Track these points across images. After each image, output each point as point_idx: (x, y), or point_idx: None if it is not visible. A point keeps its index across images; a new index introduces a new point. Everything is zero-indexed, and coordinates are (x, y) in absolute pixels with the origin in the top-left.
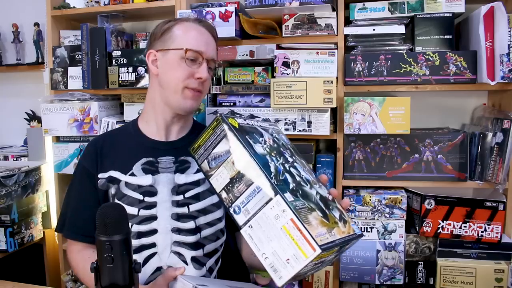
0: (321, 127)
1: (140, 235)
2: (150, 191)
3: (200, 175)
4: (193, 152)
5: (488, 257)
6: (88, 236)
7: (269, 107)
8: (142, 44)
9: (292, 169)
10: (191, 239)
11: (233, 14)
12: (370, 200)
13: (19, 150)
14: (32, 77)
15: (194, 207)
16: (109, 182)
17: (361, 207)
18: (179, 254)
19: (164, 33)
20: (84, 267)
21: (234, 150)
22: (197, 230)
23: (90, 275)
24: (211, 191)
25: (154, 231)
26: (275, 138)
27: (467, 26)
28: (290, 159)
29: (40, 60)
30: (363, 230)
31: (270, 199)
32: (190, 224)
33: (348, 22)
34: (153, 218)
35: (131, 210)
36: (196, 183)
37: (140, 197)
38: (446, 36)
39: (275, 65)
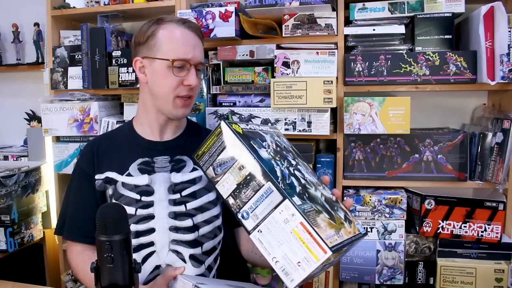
0: (321, 127)
1: (138, 234)
2: (147, 190)
3: (196, 174)
4: (197, 159)
5: (488, 257)
6: (88, 237)
7: (269, 107)
8: None
9: (296, 172)
10: (189, 237)
11: (233, 14)
12: (370, 200)
13: (19, 150)
14: (32, 77)
15: (191, 205)
16: (106, 183)
17: (361, 207)
18: (177, 253)
19: (149, 39)
20: (84, 268)
21: (240, 156)
22: (195, 228)
23: (90, 276)
24: (207, 188)
25: (152, 230)
26: (277, 142)
27: (467, 26)
28: (293, 162)
29: (40, 60)
30: None
31: (279, 204)
32: (188, 222)
33: (348, 22)
34: (151, 217)
35: (128, 210)
36: (192, 181)
37: (137, 196)
38: (446, 36)
39: (275, 65)
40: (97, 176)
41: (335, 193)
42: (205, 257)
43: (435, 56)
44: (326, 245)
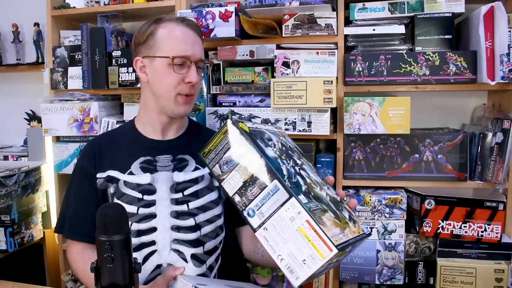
0: (321, 127)
1: (140, 233)
2: (149, 189)
3: (198, 173)
4: (203, 157)
5: (488, 257)
6: (88, 236)
7: (269, 107)
8: None
9: (302, 172)
10: (191, 236)
11: (233, 14)
12: (370, 200)
13: (19, 150)
14: (32, 77)
15: (194, 204)
16: (108, 181)
17: (361, 207)
18: (179, 252)
19: (148, 38)
20: (84, 267)
21: (246, 154)
22: (197, 227)
23: (90, 275)
24: (209, 188)
25: (153, 229)
26: (282, 141)
27: (467, 26)
28: (298, 162)
29: (40, 60)
30: None
31: (285, 202)
32: (190, 222)
33: (348, 22)
34: (153, 216)
35: (130, 208)
36: (195, 181)
37: (139, 195)
38: (446, 36)
39: (275, 65)
40: (98, 175)
41: (340, 194)
42: (207, 256)
43: (435, 56)
44: (332, 243)
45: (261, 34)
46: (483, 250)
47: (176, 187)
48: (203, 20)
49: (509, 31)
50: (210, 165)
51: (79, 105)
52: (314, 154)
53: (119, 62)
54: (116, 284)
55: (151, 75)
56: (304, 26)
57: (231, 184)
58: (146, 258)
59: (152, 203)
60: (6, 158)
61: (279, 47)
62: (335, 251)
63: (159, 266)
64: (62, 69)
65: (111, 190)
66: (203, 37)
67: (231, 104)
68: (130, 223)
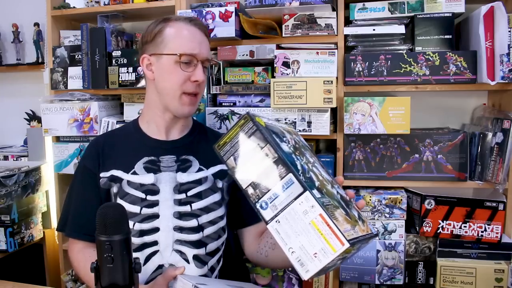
0: (321, 127)
1: (142, 233)
2: (152, 189)
3: (202, 174)
4: (218, 149)
5: (488, 257)
6: (90, 235)
7: (269, 107)
8: None
9: (314, 169)
10: (193, 237)
11: (233, 14)
12: (370, 200)
13: (19, 150)
14: (32, 77)
15: (197, 205)
16: (111, 181)
17: None
18: (181, 253)
19: (156, 37)
20: (85, 266)
21: (261, 147)
22: (199, 228)
23: (91, 274)
24: (212, 189)
25: (156, 229)
26: (295, 139)
27: (467, 26)
28: (311, 160)
29: (40, 60)
30: None
31: (299, 195)
32: (193, 223)
33: (348, 22)
34: (155, 216)
35: (133, 208)
36: (198, 182)
37: (143, 195)
38: (446, 36)
39: (275, 65)
40: (102, 174)
41: (349, 194)
42: (209, 258)
43: (435, 56)
44: (344, 237)
45: (261, 34)
46: (483, 250)
47: (180, 188)
48: (203, 20)
49: (509, 31)
50: (225, 157)
51: (79, 105)
52: (314, 154)
53: (119, 62)
54: (116, 284)
55: (157, 72)
56: (304, 26)
57: (245, 177)
58: (148, 258)
59: (155, 204)
60: (6, 158)
61: (279, 47)
62: (347, 245)
63: (160, 267)
64: (62, 69)
65: (114, 189)
66: (209, 36)
67: (231, 104)
68: (132, 223)
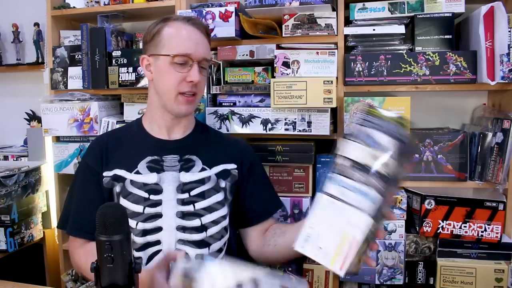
0: (321, 127)
1: (145, 233)
2: (156, 189)
3: (205, 174)
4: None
5: (488, 257)
6: (92, 233)
7: (269, 107)
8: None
9: None
10: (196, 237)
11: (233, 14)
12: None
13: (19, 150)
14: (32, 77)
15: (200, 205)
16: (114, 180)
17: None
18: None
19: (155, 37)
20: (87, 260)
21: (381, 157)
22: (203, 228)
23: None
24: (216, 189)
25: (159, 229)
26: None
27: (467, 26)
28: None
29: (40, 60)
30: None
31: (364, 213)
32: (196, 222)
33: (348, 22)
34: (158, 216)
35: (136, 208)
36: (201, 182)
37: (146, 195)
38: (446, 36)
39: (275, 65)
40: (105, 173)
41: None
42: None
43: (435, 56)
44: (345, 269)
45: (261, 34)
46: (483, 250)
47: (183, 188)
48: (203, 20)
49: (509, 31)
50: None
51: (79, 105)
52: (314, 154)
53: (119, 62)
54: (116, 284)
55: (155, 73)
56: (304, 26)
57: (350, 149)
58: (150, 258)
59: (158, 203)
60: (6, 158)
61: (279, 47)
62: (341, 275)
63: None
64: (62, 69)
65: (117, 189)
66: (210, 35)
67: (231, 104)
68: (135, 222)
